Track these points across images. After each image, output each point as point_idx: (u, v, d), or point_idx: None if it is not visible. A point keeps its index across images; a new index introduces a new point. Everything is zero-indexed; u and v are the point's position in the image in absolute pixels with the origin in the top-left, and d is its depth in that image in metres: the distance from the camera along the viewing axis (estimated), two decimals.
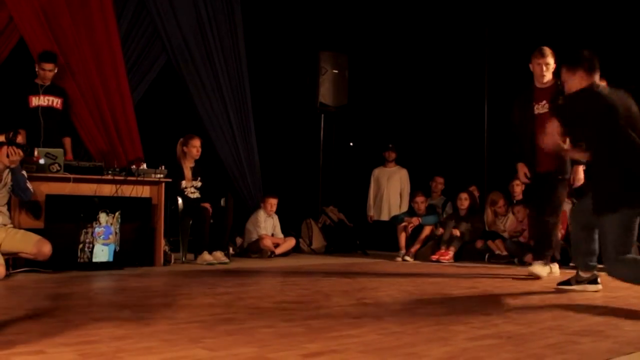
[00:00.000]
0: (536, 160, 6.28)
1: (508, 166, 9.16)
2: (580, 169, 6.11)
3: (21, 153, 5.94)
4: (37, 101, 7.36)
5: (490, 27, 10.03)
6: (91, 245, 6.54)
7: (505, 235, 8.47)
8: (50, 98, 7.44)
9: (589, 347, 3.06)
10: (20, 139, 6.06)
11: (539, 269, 6.22)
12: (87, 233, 6.53)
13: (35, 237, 5.99)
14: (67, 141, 7.64)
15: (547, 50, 6.34)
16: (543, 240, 6.34)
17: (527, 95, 6.40)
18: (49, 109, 7.41)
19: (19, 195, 6.11)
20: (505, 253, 8.31)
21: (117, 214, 6.71)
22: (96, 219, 6.59)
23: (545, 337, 3.27)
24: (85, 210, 6.56)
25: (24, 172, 6.09)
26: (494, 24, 9.97)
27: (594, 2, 8.66)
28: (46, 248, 5.95)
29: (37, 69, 7.38)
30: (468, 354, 2.86)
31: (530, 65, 6.44)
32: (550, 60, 6.30)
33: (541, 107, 6.25)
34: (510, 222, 8.56)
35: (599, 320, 3.83)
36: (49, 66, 7.36)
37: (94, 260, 6.55)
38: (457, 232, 8.61)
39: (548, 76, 6.30)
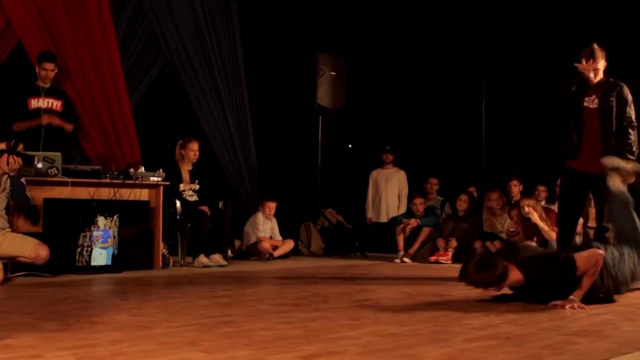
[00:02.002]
0: (578, 157, 5.98)
1: (506, 167, 9.21)
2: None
3: (20, 162, 6.01)
4: (36, 103, 7.36)
5: (488, 28, 10.03)
6: (89, 249, 6.54)
7: (504, 236, 8.48)
8: (51, 100, 7.43)
9: (587, 347, 3.06)
10: (21, 147, 6.11)
11: None
12: (85, 237, 6.53)
13: (33, 241, 6.00)
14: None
15: (596, 53, 5.90)
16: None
17: (580, 89, 6.06)
18: (49, 111, 7.41)
19: (17, 202, 6.12)
20: None
21: (115, 217, 6.71)
22: (94, 223, 6.59)
23: (543, 338, 3.27)
24: (84, 214, 6.56)
25: (23, 180, 6.11)
26: (492, 25, 9.97)
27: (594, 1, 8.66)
28: (44, 252, 5.96)
29: (37, 70, 7.37)
30: (466, 355, 2.87)
31: None
32: (599, 65, 5.91)
33: (591, 102, 5.96)
34: (508, 223, 8.56)
35: (597, 321, 3.83)
36: (50, 65, 7.34)
37: (92, 263, 6.55)
38: (454, 243, 8.62)
39: (597, 78, 5.94)
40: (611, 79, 5.99)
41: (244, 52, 10.21)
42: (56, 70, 7.45)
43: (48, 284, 5.53)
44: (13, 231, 6.13)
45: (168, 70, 9.46)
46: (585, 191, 6.12)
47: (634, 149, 5.89)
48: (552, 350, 2.97)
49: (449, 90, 10.39)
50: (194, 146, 8.01)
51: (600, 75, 6.01)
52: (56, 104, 7.47)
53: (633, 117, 5.91)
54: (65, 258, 6.39)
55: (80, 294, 5.03)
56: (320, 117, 10.82)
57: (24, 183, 6.09)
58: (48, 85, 7.43)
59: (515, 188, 8.74)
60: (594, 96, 5.98)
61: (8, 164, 5.90)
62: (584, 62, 5.92)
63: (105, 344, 3.01)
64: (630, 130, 5.87)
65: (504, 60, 9.75)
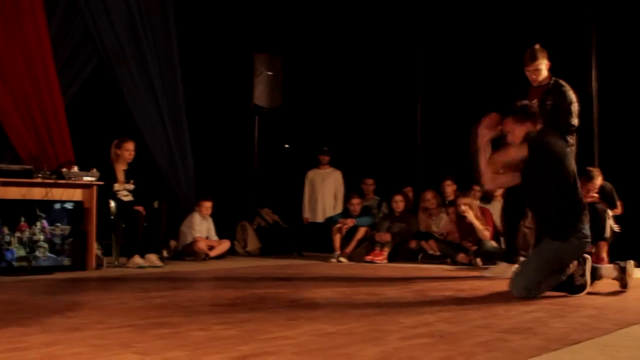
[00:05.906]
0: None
1: (440, 167, 9.33)
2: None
3: None
4: None
5: (424, 29, 10.15)
6: (21, 250, 6.40)
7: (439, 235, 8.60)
8: None
9: (518, 344, 3.13)
10: None
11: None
12: (16, 237, 6.39)
13: None
14: None
15: (537, 53, 6.04)
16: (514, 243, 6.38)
17: (522, 95, 6.15)
18: None
19: None
20: (438, 253, 8.41)
21: (47, 217, 6.59)
22: (26, 223, 6.46)
23: (476, 335, 3.32)
24: (15, 215, 6.42)
25: None
26: (428, 26, 10.09)
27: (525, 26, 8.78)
28: None
29: None
30: (401, 354, 2.90)
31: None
32: (541, 65, 6.05)
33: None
34: (444, 223, 8.68)
35: (528, 318, 3.91)
36: None
37: (24, 265, 6.41)
38: (387, 237, 8.69)
39: (540, 79, 6.09)
40: (552, 80, 6.08)
41: (180, 51, 10.11)
42: None
43: None
44: None
45: (103, 67, 9.29)
46: None
47: None
48: (485, 347, 3.02)
49: (385, 91, 10.48)
50: (130, 146, 7.91)
51: (544, 74, 6.09)
52: None
53: (571, 120, 6.00)
54: None
55: (10, 296, 4.92)
56: (257, 117, 10.79)
57: None
58: None
59: (449, 188, 8.87)
60: (535, 100, 6.08)
61: None
62: (526, 64, 6.05)
63: (37, 347, 2.95)
64: (567, 136, 5.99)
65: (440, 59, 9.89)
